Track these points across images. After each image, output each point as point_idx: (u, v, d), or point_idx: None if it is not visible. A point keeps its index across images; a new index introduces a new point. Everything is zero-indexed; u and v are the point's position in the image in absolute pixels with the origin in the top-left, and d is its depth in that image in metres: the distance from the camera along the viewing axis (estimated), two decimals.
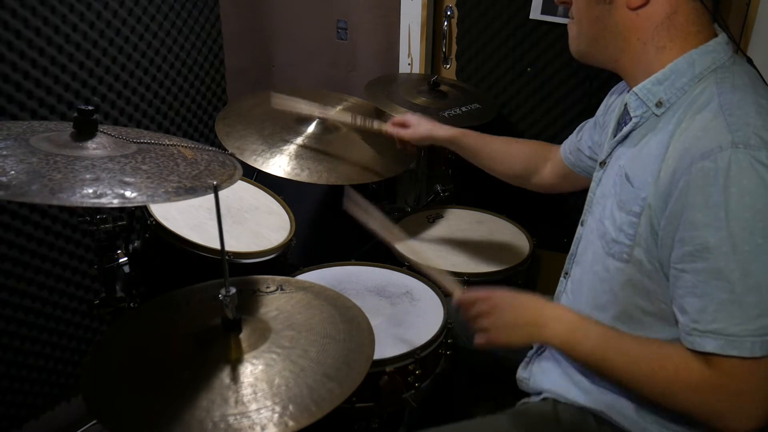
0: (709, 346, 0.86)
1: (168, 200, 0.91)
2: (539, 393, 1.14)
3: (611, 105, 1.22)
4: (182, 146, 1.11)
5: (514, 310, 1.05)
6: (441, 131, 1.49)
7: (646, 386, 0.94)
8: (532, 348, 1.19)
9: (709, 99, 0.90)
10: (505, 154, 1.48)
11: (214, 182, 0.87)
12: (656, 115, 0.97)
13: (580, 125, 1.36)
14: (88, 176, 0.89)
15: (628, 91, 1.02)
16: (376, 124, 1.58)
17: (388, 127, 1.55)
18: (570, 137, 1.38)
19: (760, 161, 0.82)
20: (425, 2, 2.03)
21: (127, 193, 0.87)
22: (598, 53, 1.03)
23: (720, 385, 0.87)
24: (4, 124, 1.06)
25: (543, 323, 1.02)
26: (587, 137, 1.31)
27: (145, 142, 1.07)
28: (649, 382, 0.93)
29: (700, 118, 0.89)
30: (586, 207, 1.15)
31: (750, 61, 1.00)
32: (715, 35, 0.96)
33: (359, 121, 1.60)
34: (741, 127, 0.84)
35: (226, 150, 1.33)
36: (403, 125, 1.53)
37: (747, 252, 0.82)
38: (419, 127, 1.51)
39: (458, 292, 1.11)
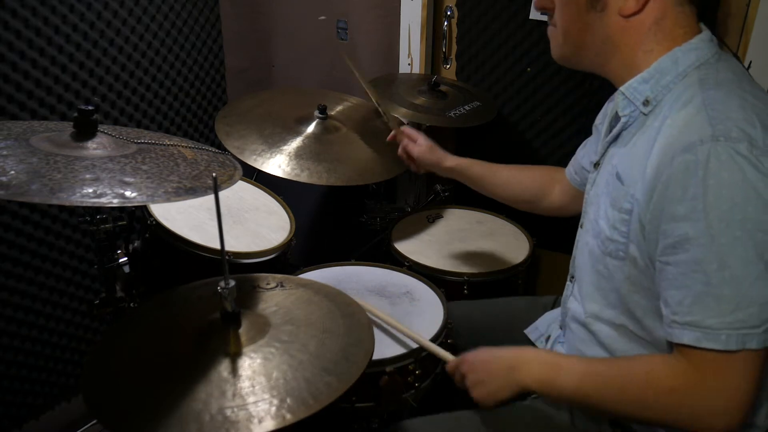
0: (686, 338, 0.86)
1: (168, 200, 0.91)
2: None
3: (607, 111, 1.22)
4: (182, 146, 1.11)
5: (487, 364, 1.07)
6: (449, 162, 1.49)
7: (622, 403, 0.94)
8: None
9: (693, 95, 0.91)
10: (513, 180, 1.47)
11: (214, 174, 0.87)
12: (644, 113, 0.98)
13: (582, 144, 1.35)
14: (88, 176, 0.89)
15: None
16: (391, 121, 1.59)
17: (398, 131, 1.55)
18: (573, 158, 1.37)
19: (741, 153, 0.82)
20: (425, 2, 2.02)
21: (127, 193, 0.87)
22: (584, 59, 1.03)
23: (696, 381, 0.87)
24: (4, 124, 1.06)
25: (516, 367, 1.04)
26: (591, 151, 1.30)
27: (145, 142, 1.07)
28: (624, 397, 0.94)
29: (684, 114, 0.89)
30: (583, 209, 1.15)
31: (735, 55, 1.01)
32: (700, 32, 0.97)
33: (381, 106, 1.59)
34: (722, 121, 0.85)
35: (226, 151, 1.33)
36: (414, 140, 1.52)
37: (724, 244, 0.82)
38: (430, 153, 1.50)
39: (449, 362, 1.15)
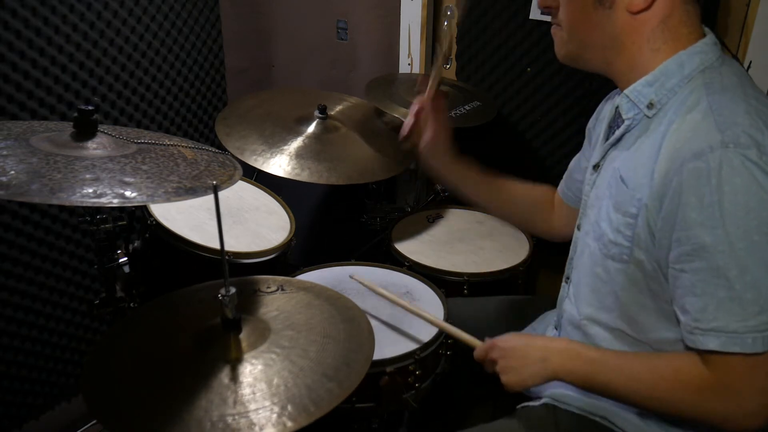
0: (712, 344, 0.87)
1: (168, 200, 0.91)
2: (539, 397, 1.14)
3: (602, 113, 1.21)
4: (182, 146, 1.11)
5: (519, 352, 1.06)
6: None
7: (649, 399, 0.95)
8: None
9: (698, 100, 0.91)
10: (512, 191, 1.38)
11: (214, 182, 0.87)
12: (648, 117, 0.97)
13: (575, 158, 1.32)
14: (88, 176, 0.89)
15: (619, 94, 1.02)
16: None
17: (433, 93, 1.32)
18: (566, 174, 1.34)
19: (751, 159, 0.83)
20: (425, 2, 2.02)
21: (127, 193, 0.87)
22: (590, 58, 1.02)
23: (722, 384, 0.88)
24: (4, 124, 1.06)
25: (549, 358, 1.03)
26: (582, 159, 1.28)
27: (145, 142, 1.07)
28: (652, 395, 0.94)
29: (690, 119, 0.90)
30: (581, 211, 1.15)
31: (737, 59, 1.01)
32: (704, 35, 0.97)
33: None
34: (730, 126, 0.85)
35: (226, 151, 1.33)
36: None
37: (743, 249, 0.83)
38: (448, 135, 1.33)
39: (477, 347, 1.13)
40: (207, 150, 1.13)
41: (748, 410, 0.87)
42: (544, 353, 1.04)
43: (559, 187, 1.37)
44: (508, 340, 1.08)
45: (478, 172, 1.36)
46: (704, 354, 0.89)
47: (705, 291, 0.86)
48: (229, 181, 1.02)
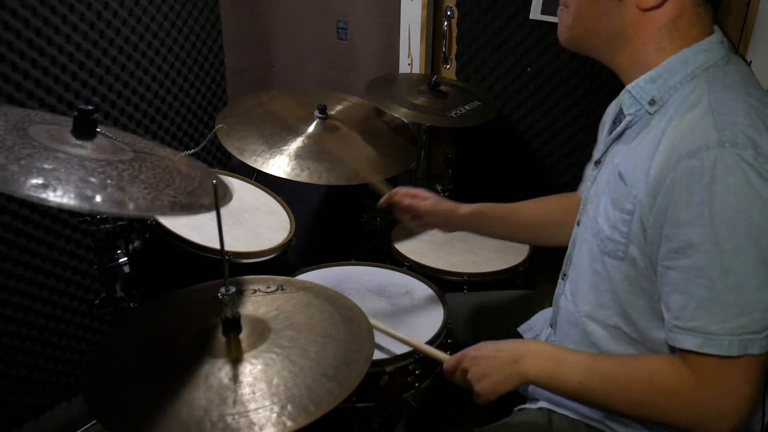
0: (688, 343, 0.86)
1: (164, 215, 0.90)
2: (537, 400, 1.14)
3: (610, 109, 1.21)
4: (173, 157, 1.10)
5: (490, 358, 1.06)
6: (464, 208, 1.34)
7: (625, 401, 0.94)
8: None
9: (700, 98, 0.90)
10: (539, 214, 1.35)
11: (214, 181, 0.87)
12: (650, 113, 0.97)
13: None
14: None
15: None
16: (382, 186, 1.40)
17: (392, 192, 1.37)
18: (583, 178, 1.32)
19: (746, 160, 0.82)
20: (425, 2, 2.03)
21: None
22: (593, 46, 1.02)
23: (698, 385, 0.87)
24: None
25: (520, 359, 1.03)
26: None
27: (140, 152, 1.05)
28: (628, 396, 0.94)
29: (690, 117, 0.89)
30: (581, 206, 1.15)
31: (744, 59, 1.00)
32: (712, 34, 0.96)
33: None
34: (728, 126, 0.84)
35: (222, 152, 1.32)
36: (416, 197, 1.35)
37: (729, 250, 0.82)
38: (440, 202, 1.35)
39: (446, 360, 1.13)
40: (195, 158, 1.11)
41: (720, 413, 0.86)
42: (514, 355, 1.04)
43: (579, 189, 1.33)
44: (478, 348, 1.08)
45: (498, 212, 1.35)
46: (682, 353, 0.88)
47: (687, 289, 0.86)
48: (222, 201, 0.99)
